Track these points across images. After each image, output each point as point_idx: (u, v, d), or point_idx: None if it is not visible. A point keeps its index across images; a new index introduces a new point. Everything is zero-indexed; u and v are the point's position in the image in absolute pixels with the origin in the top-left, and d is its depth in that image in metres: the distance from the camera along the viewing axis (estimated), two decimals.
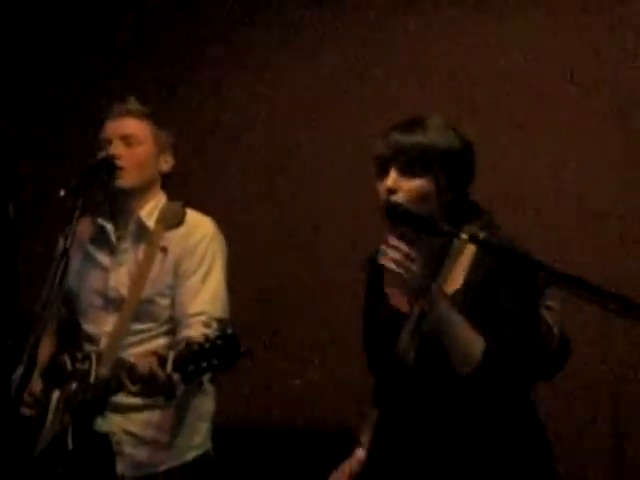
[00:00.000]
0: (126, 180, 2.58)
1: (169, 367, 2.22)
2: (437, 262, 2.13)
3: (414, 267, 1.99)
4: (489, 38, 3.42)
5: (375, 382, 2.29)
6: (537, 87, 3.35)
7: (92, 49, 4.29)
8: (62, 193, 2.53)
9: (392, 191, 2.06)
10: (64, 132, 4.25)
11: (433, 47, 3.51)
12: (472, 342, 2.02)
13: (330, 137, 3.63)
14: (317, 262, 3.52)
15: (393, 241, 2.00)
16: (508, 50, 3.39)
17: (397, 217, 2.04)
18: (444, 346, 2.04)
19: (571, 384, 2.78)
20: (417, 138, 2.10)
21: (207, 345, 2.17)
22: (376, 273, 2.22)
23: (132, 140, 2.63)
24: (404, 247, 1.98)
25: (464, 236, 1.99)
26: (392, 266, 1.99)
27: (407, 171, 2.08)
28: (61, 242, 2.52)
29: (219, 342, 2.18)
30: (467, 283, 2.08)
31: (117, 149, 2.57)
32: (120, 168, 2.55)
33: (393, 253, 1.99)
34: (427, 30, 3.54)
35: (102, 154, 2.55)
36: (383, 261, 1.99)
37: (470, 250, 2.09)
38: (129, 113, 2.67)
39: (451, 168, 2.12)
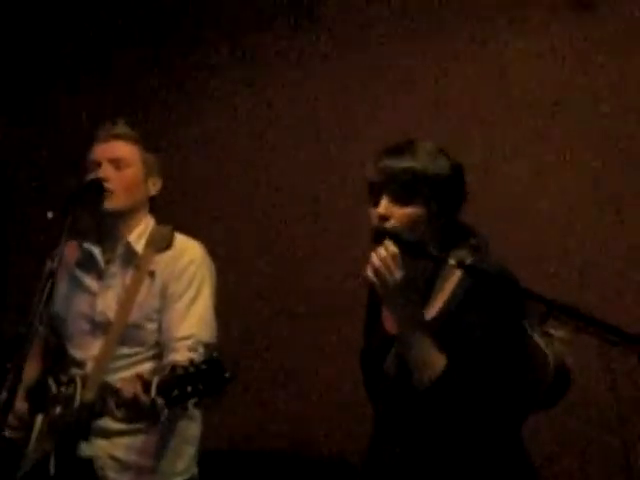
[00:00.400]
0: (115, 202, 2.57)
1: (153, 392, 2.18)
2: (427, 287, 2.12)
3: (391, 280, 2.00)
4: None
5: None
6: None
7: (88, 67, 4.29)
8: (50, 215, 2.52)
9: (384, 218, 2.06)
10: (55, 154, 4.25)
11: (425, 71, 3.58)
12: (430, 363, 2.02)
13: (318, 158, 3.65)
14: (307, 288, 3.53)
15: (382, 252, 1.99)
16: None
17: (384, 239, 2.05)
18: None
19: None
20: (407, 164, 2.10)
21: (192, 369, 2.14)
22: (376, 295, 2.21)
23: (121, 163, 2.62)
24: (389, 259, 1.99)
25: (452, 261, 1.99)
26: (371, 275, 2.00)
27: (398, 198, 2.08)
28: (48, 263, 2.49)
29: (204, 367, 2.15)
30: (443, 309, 2.08)
31: (106, 172, 2.56)
32: (109, 190, 2.53)
33: (377, 262, 2.00)
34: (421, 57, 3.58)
35: (91, 176, 2.54)
36: (367, 271, 2.00)
37: (456, 276, 2.08)
38: (118, 137, 2.66)
39: (442, 194, 2.12)
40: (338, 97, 3.66)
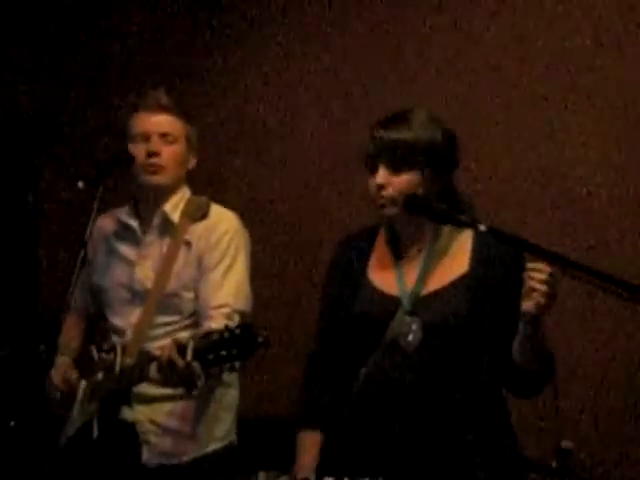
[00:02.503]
0: (164, 178, 2.65)
1: (189, 356, 2.27)
2: (430, 252, 2.25)
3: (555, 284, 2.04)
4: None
5: (318, 392, 2.31)
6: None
7: (113, 44, 4.34)
8: (80, 185, 2.60)
9: (382, 187, 2.16)
10: (84, 122, 4.33)
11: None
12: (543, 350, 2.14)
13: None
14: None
15: (536, 265, 2.03)
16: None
17: (415, 208, 2.11)
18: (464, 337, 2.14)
19: None
20: (402, 134, 2.18)
21: (226, 335, 2.23)
22: (350, 253, 2.33)
23: (170, 138, 2.68)
24: (545, 267, 2.03)
25: (482, 227, 2.05)
26: (539, 286, 2.03)
27: (395, 167, 2.17)
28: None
29: (238, 332, 2.23)
30: (473, 268, 2.18)
31: (156, 146, 2.64)
32: (158, 165, 2.65)
33: (539, 274, 2.03)
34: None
35: (139, 149, 2.62)
36: (531, 283, 2.04)
37: (465, 237, 2.21)
38: (167, 110, 2.72)
39: (436, 161, 2.20)
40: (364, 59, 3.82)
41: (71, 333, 2.84)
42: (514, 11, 3.56)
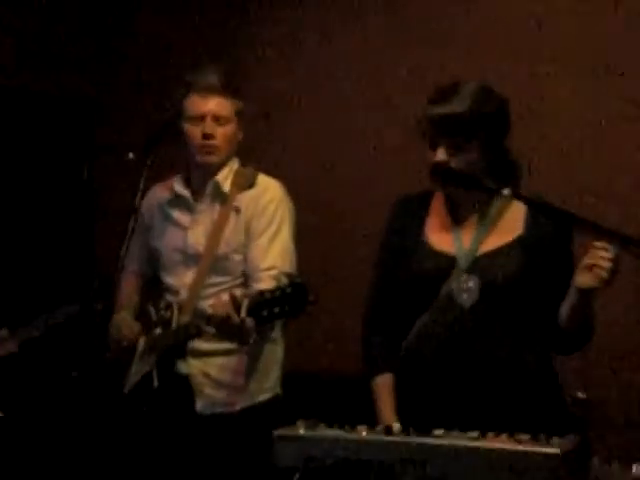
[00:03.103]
0: (218, 157, 2.84)
1: (243, 312, 2.44)
2: (484, 217, 2.33)
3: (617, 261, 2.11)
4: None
5: (386, 341, 2.39)
6: None
7: (163, 24, 4.50)
8: (131, 155, 2.80)
9: (444, 164, 2.25)
10: (136, 98, 4.52)
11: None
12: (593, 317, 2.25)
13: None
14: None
15: (600, 243, 2.10)
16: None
17: (443, 177, 2.22)
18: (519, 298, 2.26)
19: None
20: (455, 108, 2.26)
21: (278, 293, 2.39)
22: (407, 214, 2.42)
23: (222, 120, 2.83)
24: (608, 245, 2.10)
25: (506, 192, 2.17)
26: (602, 262, 2.11)
27: (454, 144, 2.25)
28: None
29: (289, 290, 2.39)
30: (527, 231, 2.28)
31: (211, 128, 2.80)
32: (213, 146, 2.81)
33: (603, 252, 2.11)
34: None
35: (195, 132, 2.78)
36: (594, 260, 2.11)
37: (517, 203, 2.27)
38: (218, 92, 2.86)
39: (490, 130, 2.28)
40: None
41: (129, 291, 3.01)
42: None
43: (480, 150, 2.29)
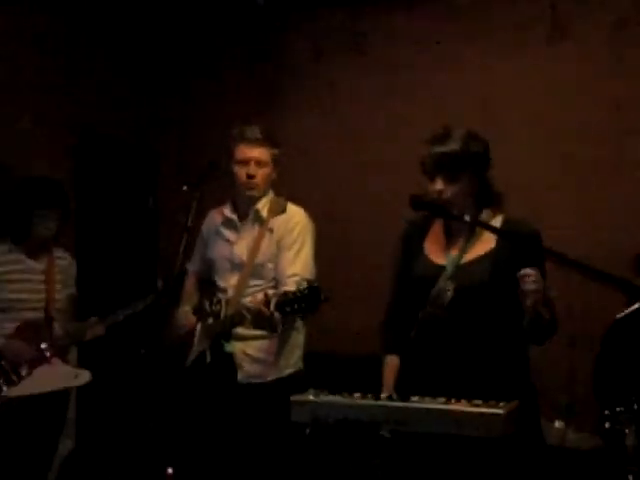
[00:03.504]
0: (257, 191, 3.29)
1: (272, 307, 2.86)
2: (469, 237, 2.58)
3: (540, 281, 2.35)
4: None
5: (394, 328, 2.67)
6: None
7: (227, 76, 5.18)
8: (185, 188, 3.26)
9: (440, 192, 2.50)
10: (189, 147, 5.15)
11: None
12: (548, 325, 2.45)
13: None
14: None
15: (524, 271, 2.34)
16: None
17: (419, 206, 2.52)
18: (479, 297, 2.49)
19: None
20: (451, 148, 2.49)
21: (299, 294, 2.82)
22: (412, 234, 2.68)
23: (262, 164, 3.25)
24: (531, 270, 2.34)
25: (467, 218, 2.50)
26: (530, 286, 2.35)
27: (448, 177, 2.51)
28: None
29: (307, 292, 2.81)
30: (498, 246, 2.53)
31: (253, 170, 3.24)
32: (255, 184, 3.23)
33: (528, 278, 2.35)
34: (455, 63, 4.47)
35: (240, 172, 3.23)
36: (526, 286, 2.34)
37: (495, 223, 2.56)
38: (260, 143, 3.25)
39: (477, 165, 2.53)
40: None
41: (191, 290, 3.46)
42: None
43: (469, 181, 2.54)
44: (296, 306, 2.82)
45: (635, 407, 3.22)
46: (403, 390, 2.54)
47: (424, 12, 4.70)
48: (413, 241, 2.70)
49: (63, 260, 3.78)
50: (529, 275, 2.35)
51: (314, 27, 4.99)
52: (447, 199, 2.50)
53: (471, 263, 2.55)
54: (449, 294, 2.56)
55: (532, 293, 2.35)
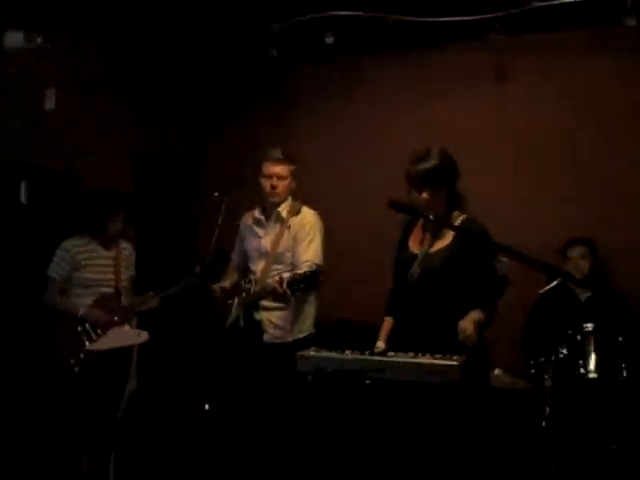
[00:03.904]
0: (279, 198, 3.82)
1: (284, 285, 3.34)
2: (437, 232, 2.92)
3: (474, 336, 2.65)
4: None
5: (392, 297, 3.04)
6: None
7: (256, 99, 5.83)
8: (216, 194, 3.78)
9: (428, 200, 2.82)
10: (222, 164, 5.67)
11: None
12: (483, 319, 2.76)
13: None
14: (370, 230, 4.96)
15: (459, 327, 2.62)
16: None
17: (397, 208, 2.74)
18: (435, 276, 2.80)
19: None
20: (432, 163, 2.81)
21: (303, 276, 3.31)
22: (405, 230, 3.02)
23: (282, 177, 3.77)
24: (461, 326, 2.64)
25: (431, 217, 2.82)
26: (462, 336, 2.63)
27: (433, 189, 2.83)
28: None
29: (309, 274, 3.33)
30: (453, 243, 2.86)
31: (275, 182, 3.75)
32: (276, 192, 3.70)
33: (461, 332, 2.64)
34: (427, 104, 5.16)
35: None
36: (460, 337, 2.62)
37: (456, 223, 2.88)
38: (281, 161, 3.74)
39: (451, 177, 2.87)
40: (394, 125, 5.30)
41: (232, 272, 3.99)
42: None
43: (446, 191, 2.85)
44: (301, 285, 3.33)
45: (552, 358, 3.80)
46: (392, 342, 2.94)
47: (396, 63, 5.38)
48: (404, 236, 3.07)
49: (127, 250, 4.28)
50: (461, 331, 2.70)
51: (317, 73, 5.65)
52: (424, 204, 2.81)
53: (434, 253, 2.92)
54: (415, 275, 2.91)
55: (464, 341, 2.72)
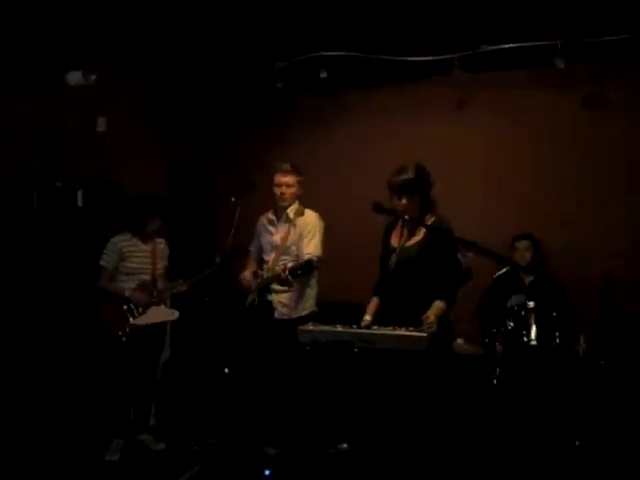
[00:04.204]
0: (287, 202, 4.48)
1: (287, 273, 3.96)
2: (411, 230, 3.41)
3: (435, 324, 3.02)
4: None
5: (378, 282, 3.55)
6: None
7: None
8: (232, 199, 4.37)
9: (405, 206, 3.25)
10: (236, 172, 6.42)
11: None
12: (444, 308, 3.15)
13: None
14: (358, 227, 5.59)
15: (424, 318, 2.91)
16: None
17: (379, 210, 3.22)
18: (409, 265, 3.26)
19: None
20: (409, 176, 3.30)
21: (301, 265, 3.94)
22: (388, 229, 3.52)
23: (290, 185, 4.43)
24: (425, 317, 2.95)
25: (407, 217, 3.30)
26: (426, 324, 2.95)
27: (409, 195, 3.27)
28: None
29: (304, 263, 3.94)
30: (424, 238, 3.31)
31: (284, 190, 4.40)
32: (284, 197, 4.30)
33: (425, 320, 2.96)
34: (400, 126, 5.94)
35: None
36: (424, 326, 2.88)
37: (428, 222, 3.32)
38: (289, 172, 4.42)
39: (425, 186, 3.36)
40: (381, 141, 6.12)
41: (252, 262, 4.65)
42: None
43: (419, 197, 3.30)
44: (299, 272, 3.99)
45: (502, 329, 4.42)
46: (377, 318, 3.39)
47: (375, 95, 6.12)
48: (387, 233, 3.56)
49: (161, 244, 4.91)
50: (424, 320, 3.13)
51: (316, 101, 6.39)
52: (402, 208, 3.27)
53: (409, 246, 3.41)
54: (392, 265, 3.39)
55: (427, 328, 3.14)
